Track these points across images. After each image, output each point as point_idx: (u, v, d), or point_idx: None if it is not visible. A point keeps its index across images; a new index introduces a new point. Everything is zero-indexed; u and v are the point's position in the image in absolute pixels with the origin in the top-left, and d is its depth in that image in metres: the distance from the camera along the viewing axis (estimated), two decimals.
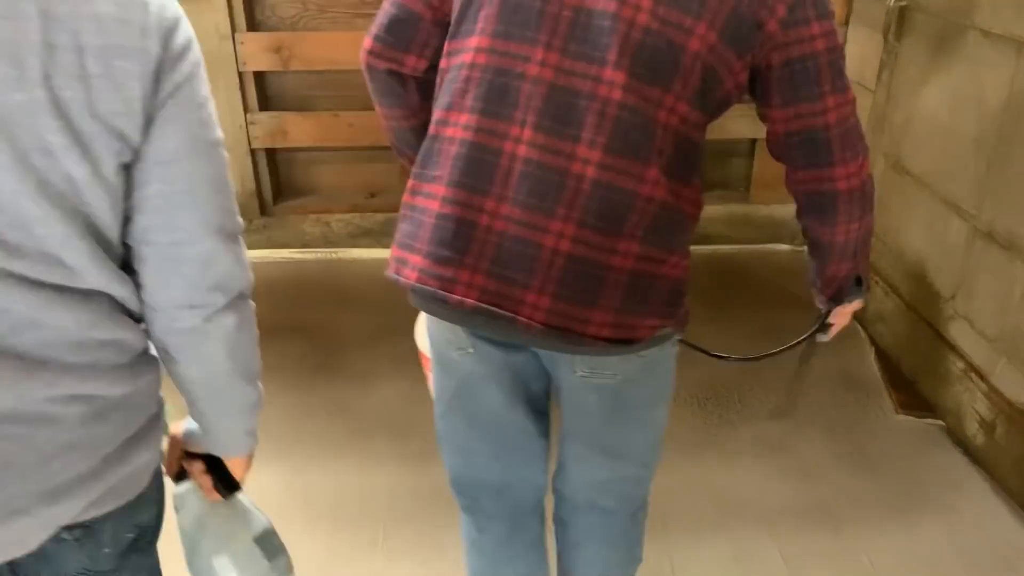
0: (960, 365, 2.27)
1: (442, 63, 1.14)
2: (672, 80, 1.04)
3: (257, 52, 3.08)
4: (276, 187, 3.40)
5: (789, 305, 3.06)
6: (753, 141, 3.39)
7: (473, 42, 1.08)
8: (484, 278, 1.07)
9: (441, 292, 1.09)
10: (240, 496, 1.12)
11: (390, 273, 1.17)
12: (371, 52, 1.19)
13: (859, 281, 1.36)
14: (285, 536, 1.16)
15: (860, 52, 2.83)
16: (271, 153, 3.34)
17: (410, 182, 1.16)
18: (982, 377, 2.19)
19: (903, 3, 2.50)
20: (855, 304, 1.39)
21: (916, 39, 2.47)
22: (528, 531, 1.47)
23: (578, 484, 1.41)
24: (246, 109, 3.18)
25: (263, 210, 3.36)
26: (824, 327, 1.43)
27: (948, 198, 2.33)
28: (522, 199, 1.05)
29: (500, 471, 1.38)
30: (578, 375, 1.20)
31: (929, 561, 1.93)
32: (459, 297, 1.08)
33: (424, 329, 1.49)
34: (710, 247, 3.51)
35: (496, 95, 1.06)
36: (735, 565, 1.93)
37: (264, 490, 2.07)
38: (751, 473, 2.21)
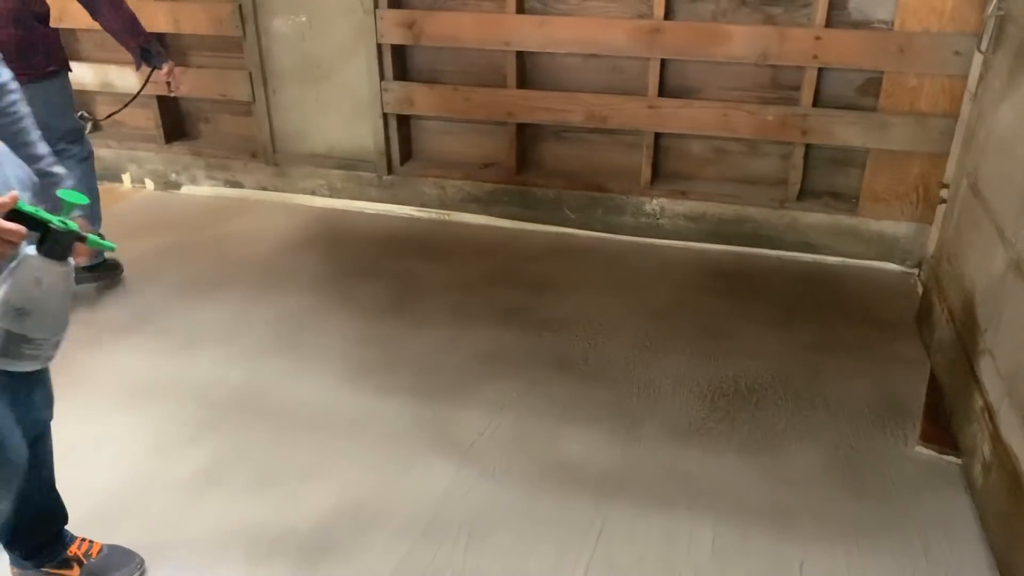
0: (980, 402, 2.11)
1: None
2: None
3: (392, 27, 3.46)
4: (404, 150, 3.79)
5: (863, 322, 2.92)
6: (866, 151, 3.22)
7: None
8: None
9: None
10: None
11: None
12: None
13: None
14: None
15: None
16: (403, 120, 3.73)
17: None
18: (991, 416, 2.02)
19: (1001, 13, 2.31)
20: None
21: (1006, 51, 2.27)
22: None
23: None
24: (382, 77, 3.58)
25: (390, 169, 3.76)
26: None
27: (997, 222, 2.15)
28: None
29: None
30: None
31: None
32: None
33: None
34: (811, 256, 3.40)
35: None
36: (663, 543, 1.98)
37: (313, 397, 2.49)
38: (726, 467, 2.22)
